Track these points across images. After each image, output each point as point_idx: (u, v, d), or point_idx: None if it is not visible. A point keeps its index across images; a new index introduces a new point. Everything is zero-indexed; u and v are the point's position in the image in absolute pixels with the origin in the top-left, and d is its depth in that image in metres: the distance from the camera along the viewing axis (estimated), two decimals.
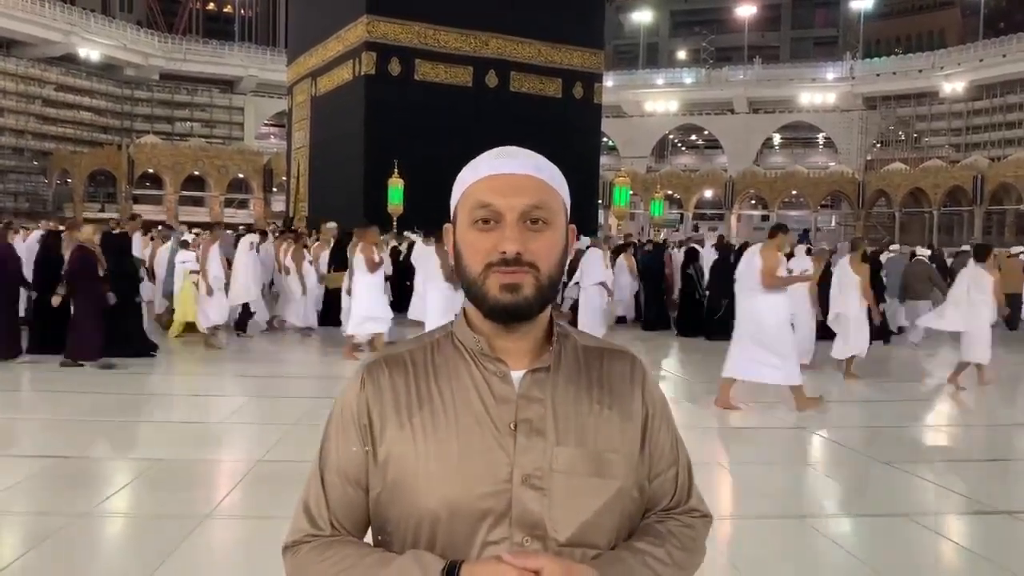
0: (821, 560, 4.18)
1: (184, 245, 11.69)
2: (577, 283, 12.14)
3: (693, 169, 54.76)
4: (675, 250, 16.01)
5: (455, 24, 24.82)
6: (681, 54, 67.37)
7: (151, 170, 45.66)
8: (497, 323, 1.16)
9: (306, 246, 12.85)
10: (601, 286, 11.64)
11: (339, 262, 12.77)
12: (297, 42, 32.17)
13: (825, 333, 10.34)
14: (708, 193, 49.63)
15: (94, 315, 9.00)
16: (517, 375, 1.16)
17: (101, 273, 9.12)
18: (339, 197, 24.75)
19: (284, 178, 37.57)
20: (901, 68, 52.63)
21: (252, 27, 66.00)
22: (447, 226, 1.23)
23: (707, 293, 13.46)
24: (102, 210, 44.42)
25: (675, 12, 70.48)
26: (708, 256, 14.27)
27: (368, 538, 1.23)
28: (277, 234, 15.40)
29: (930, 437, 7.41)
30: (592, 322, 11.48)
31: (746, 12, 61.51)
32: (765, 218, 49.53)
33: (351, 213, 21.63)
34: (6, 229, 9.77)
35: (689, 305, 13.70)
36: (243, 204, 48.83)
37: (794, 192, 47.92)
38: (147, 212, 40.91)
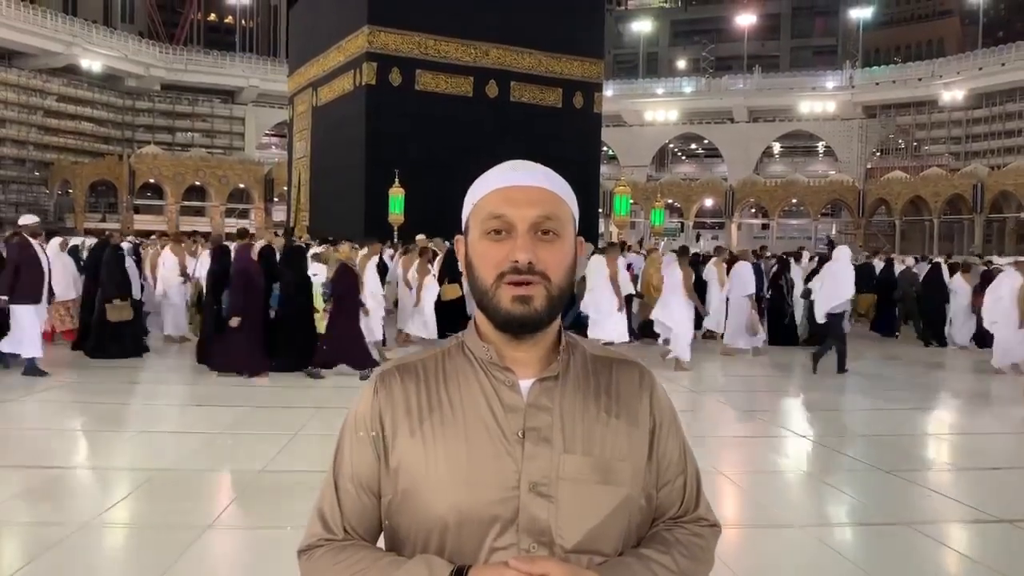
0: (823, 569, 4.17)
1: (317, 258, 11.70)
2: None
3: (693, 178, 54.84)
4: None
5: (455, 34, 24.90)
6: (681, 63, 67.60)
7: (152, 180, 45.79)
8: (508, 334, 1.18)
9: (431, 260, 12.83)
10: (749, 298, 11.77)
11: (452, 274, 12.86)
12: (298, 52, 32.29)
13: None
14: (708, 202, 49.70)
15: (356, 329, 9.37)
16: (526, 384, 1.18)
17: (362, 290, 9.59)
18: (340, 207, 24.79)
19: (285, 188, 37.65)
20: (900, 77, 52.75)
21: (253, 38, 66.23)
22: (458, 237, 1.25)
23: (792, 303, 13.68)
24: (103, 220, 44.53)
25: (675, 22, 70.78)
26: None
27: (380, 543, 1.25)
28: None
29: (932, 446, 7.40)
30: (737, 334, 11.70)
31: (746, 21, 61.74)
32: (765, 227, 49.62)
33: (352, 223, 21.68)
34: (250, 243, 9.84)
35: (779, 316, 13.64)
36: (244, 214, 48.90)
37: (794, 201, 47.98)
38: (148, 223, 41.02)
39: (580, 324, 11.63)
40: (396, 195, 21.29)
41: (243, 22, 65.19)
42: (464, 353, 1.22)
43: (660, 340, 11.31)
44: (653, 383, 1.27)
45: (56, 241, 11.48)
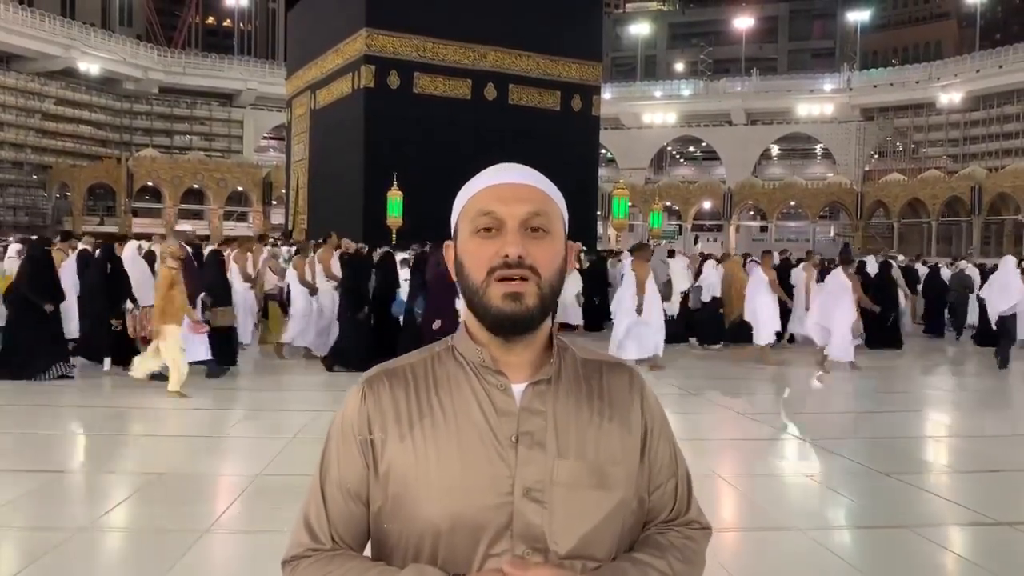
0: (821, 572, 4.16)
1: (405, 264, 11.69)
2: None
3: (691, 180, 54.88)
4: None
5: (454, 37, 24.90)
6: (679, 66, 67.64)
7: (150, 183, 45.75)
8: (499, 335, 1.16)
9: None
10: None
11: None
12: (296, 55, 32.28)
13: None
14: (707, 204, 49.71)
15: None
16: (518, 388, 1.17)
17: None
18: (338, 210, 24.77)
19: (283, 191, 37.63)
20: (898, 79, 52.83)
21: (251, 40, 66.28)
22: (448, 243, 1.24)
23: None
24: (101, 223, 44.51)
25: (673, 24, 70.87)
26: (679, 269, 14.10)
27: (367, 552, 1.23)
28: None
29: (931, 448, 7.40)
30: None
31: (743, 24, 61.84)
32: (763, 229, 49.66)
33: (350, 226, 21.66)
34: (436, 249, 10.15)
35: None
36: (242, 217, 48.88)
37: (792, 203, 48.01)
38: (146, 226, 41.01)
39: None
40: (394, 198, 21.29)
41: (241, 25, 65.24)
42: (455, 357, 1.21)
43: (818, 345, 11.60)
44: (643, 386, 1.26)
45: (132, 246, 11.24)
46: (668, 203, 45.63)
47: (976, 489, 5.75)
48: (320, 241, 12.38)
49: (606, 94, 42.08)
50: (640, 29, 65.96)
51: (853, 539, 4.75)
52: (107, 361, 9.41)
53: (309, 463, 1.27)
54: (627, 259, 13.59)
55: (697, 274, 14.03)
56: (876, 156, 54.71)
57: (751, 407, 8.84)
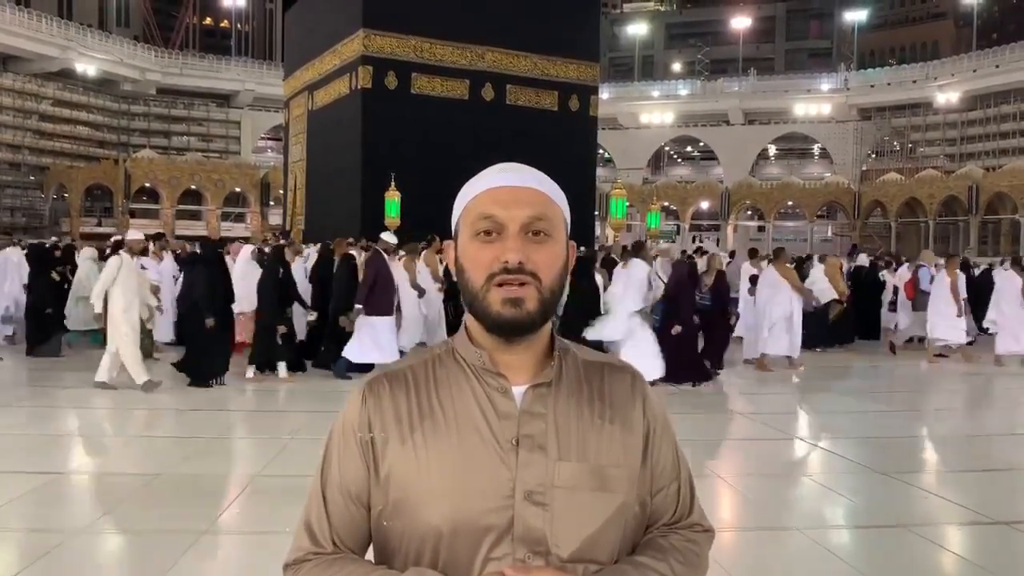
0: (820, 572, 4.16)
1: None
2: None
3: (689, 180, 54.80)
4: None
5: (451, 38, 24.87)
6: (676, 66, 67.67)
7: (148, 184, 45.67)
8: (499, 337, 1.16)
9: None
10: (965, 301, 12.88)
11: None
12: (294, 56, 32.23)
13: None
14: (704, 204, 49.67)
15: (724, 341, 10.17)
16: (519, 390, 1.16)
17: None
18: (336, 210, 24.74)
19: (281, 192, 37.57)
20: (895, 79, 52.88)
21: (249, 41, 66.25)
22: (448, 242, 1.23)
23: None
24: (99, 225, 44.44)
25: (670, 24, 70.92)
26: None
27: (369, 555, 1.23)
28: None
29: (928, 448, 7.40)
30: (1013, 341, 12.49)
31: (741, 24, 61.87)
32: (761, 229, 49.67)
33: (348, 227, 21.65)
34: (692, 259, 10.54)
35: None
36: (240, 218, 48.83)
37: (790, 203, 48.00)
38: (143, 227, 40.93)
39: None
40: (392, 199, 21.28)
41: (239, 26, 65.17)
42: (455, 359, 1.20)
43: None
44: (645, 388, 1.26)
45: (248, 249, 11.16)
46: (666, 203, 45.60)
47: (976, 489, 5.76)
48: (425, 244, 12.53)
49: (604, 94, 42.04)
50: (637, 29, 66.01)
51: (850, 538, 4.74)
52: (282, 367, 9.35)
53: (309, 463, 1.27)
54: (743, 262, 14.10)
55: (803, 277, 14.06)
56: (873, 156, 54.73)
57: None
